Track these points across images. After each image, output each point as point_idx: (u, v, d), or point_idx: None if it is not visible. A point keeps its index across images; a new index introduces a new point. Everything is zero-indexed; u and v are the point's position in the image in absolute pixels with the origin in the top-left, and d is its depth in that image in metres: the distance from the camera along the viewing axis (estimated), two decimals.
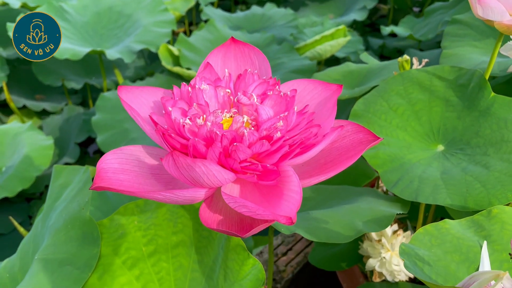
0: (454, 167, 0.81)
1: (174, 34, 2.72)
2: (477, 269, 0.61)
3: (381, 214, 0.77)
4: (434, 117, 0.90)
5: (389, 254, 0.99)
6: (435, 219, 1.09)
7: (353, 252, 1.04)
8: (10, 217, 1.28)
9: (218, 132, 0.45)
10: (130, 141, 1.72)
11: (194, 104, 0.49)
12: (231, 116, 0.52)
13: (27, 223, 1.84)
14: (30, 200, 1.98)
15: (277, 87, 0.53)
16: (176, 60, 2.05)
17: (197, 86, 0.50)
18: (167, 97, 0.53)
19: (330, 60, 2.38)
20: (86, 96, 2.43)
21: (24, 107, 2.23)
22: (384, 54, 2.64)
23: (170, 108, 0.48)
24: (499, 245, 0.64)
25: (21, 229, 1.17)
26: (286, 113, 0.48)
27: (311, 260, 1.09)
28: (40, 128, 2.21)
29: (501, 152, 0.80)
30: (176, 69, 1.95)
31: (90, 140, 2.22)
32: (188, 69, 1.96)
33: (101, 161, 0.47)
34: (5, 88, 2.00)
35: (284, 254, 1.29)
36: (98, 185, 0.45)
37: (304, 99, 0.55)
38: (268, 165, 0.45)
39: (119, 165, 0.48)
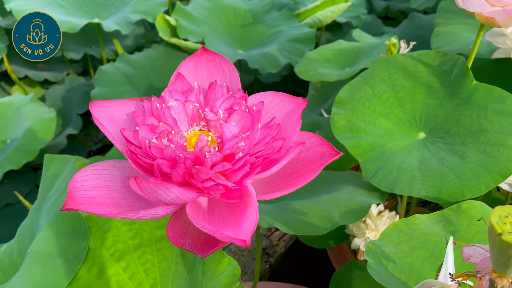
0: (433, 156, 0.83)
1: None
2: (441, 265, 0.64)
3: (358, 205, 0.80)
4: (417, 104, 0.91)
5: (374, 234, 1.03)
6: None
7: (341, 231, 1.08)
8: (15, 192, 1.33)
9: (181, 155, 0.47)
10: None
11: (161, 123, 0.51)
12: (200, 129, 0.54)
13: (35, 192, 1.91)
14: (36, 170, 2.04)
15: (244, 101, 0.54)
16: (174, 31, 2.04)
17: (163, 105, 0.52)
18: (138, 111, 0.54)
19: (331, 25, 2.34)
20: (87, 65, 2.44)
21: (26, 77, 2.25)
22: (389, 16, 2.59)
23: (137, 128, 0.50)
24: (465, 241, 0.67)
25: (26, 203, 1.22)
26: (248, 133, 0.50)
27: (301, 238, 1.14)
28: (43, 99, 2.24)
29: (478, 143, 0.81)
30: (174, 40, 1.94)
31: None
32: (186, 40, 1.95)
33: (73, 180, 0.50)
34: (5, 59, 2.02)
35: (277, 229, 1.33)
36: (68, 206, 0.47)
37: (272, 110, 0.57)
38: (229, 185, 0.47)
39: (91, 182, 0.51)
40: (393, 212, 1.04)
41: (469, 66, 0.88)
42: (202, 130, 0.54)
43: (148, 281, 0.73)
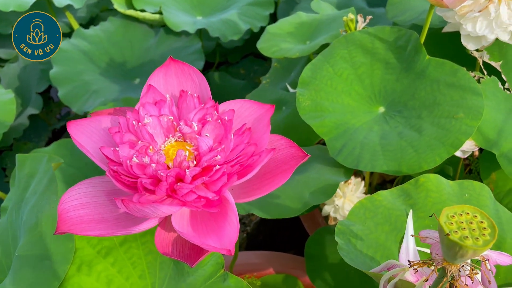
0: (392, 131, 0.89)
1: None
2: (403, 237, 0.71)
3: (327, 183, 0.86)
4: (376, 79, 0.96)
5: (342, 200, 1.10)
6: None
7: None
8: None
9: (162, 174, 0.50)
10: (93, 94, 1.72)
11: (139, 142, 0.54)
12: (176, 140, 0.57)
13: (2, 175, 1.90)
14: (1, 152, 2.01)
15: (215, 112, 0.57)
16: (129, 1, 1.98)
17: (140, 123, 0.55)
18: (114, 128, 0.57)
19: None
20: None
21: None
22: None
23: (117, 148, 0.53)
24: (423, 212, 0.74)
25: None
26: (223, 146, 0.53)
27: None
28: None
29: (432, 116, 0.87)
30: (130, 12, 1.89)
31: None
32: (143, 10, 1.91)
33: (61, 202, 0.53)
34: None
35: None
36: (61, 230, 0.51)
37: (242, 115, 0.60)
38: (210, 196, 0.51)
39: (78, 201, 0.54)
40: (359, 179, 1.11)
41: (422, 40, 0.93)
42: (178, 141, 0.57)
43: (136, 273, 0.78)
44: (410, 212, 0.73)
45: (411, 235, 0.69)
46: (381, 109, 0.94)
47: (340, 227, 0.70)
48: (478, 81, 0.93)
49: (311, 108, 0.94)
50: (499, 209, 0.76)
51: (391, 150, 0.85)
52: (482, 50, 0.93)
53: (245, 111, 0.60)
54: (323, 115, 0.93)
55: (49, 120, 2.22)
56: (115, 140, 0.55)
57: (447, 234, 0.40)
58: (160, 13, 1.90)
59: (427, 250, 0.70)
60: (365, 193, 1.13)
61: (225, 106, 0.60)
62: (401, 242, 0.70)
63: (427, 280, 0.48)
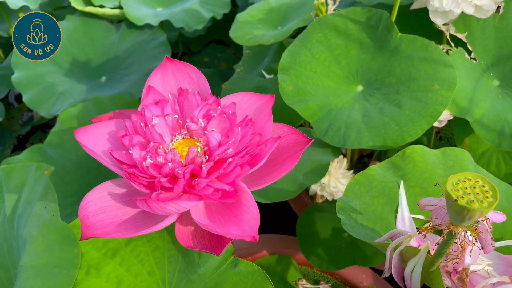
0: (373, 108, 0.93)
1: None
2: (397, 207, 0.76)
3: (318, 164, 0.89)
4: (352, 60, 1.00)
5: (327, 179, 1.14)
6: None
7: None
8: None
9: (180, 171, 0.52)
10: (60, 96, 1.69)
11: (151, 143, 0.55)
12: (183, 138, 0.59)
13: None
14: None
15: (219, 107, 0.59)
16: None
17: (149, 125, 0.56)
18: (122, 131, 0.58)
19: None
20: None
21: None
22: None
23: (130, 151, 0.54)
24: (413, 182, 0.79)
25: None
26: (233, 139, 0.55)
27: None
28: None
29: (409, 90, 0.92)
30: (89, 8, 1.85)
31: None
32: (102, 6, 1.88)
33: (81, 209, 0.54)
34: None
35: None
36: (86, 236, 0.52)
37: (243, 107, 0.62)
38: (227, 188, 0.54)
39: (96, 206, 0.55)
40: (341, 156, 1.16)
41: (393, 19, 0.97)
42: (185, 138, 0.59)
43: (145, 270, 0.79)
44: (401, 183, 0.78)
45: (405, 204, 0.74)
46: (360, 88, 0.98)
47: (340, 204, 0.74)
48: (447, 53, 0.98)
49: (294, 93, 0.97)
50: (479, 171, 0.82)
51: (375, 126, 0.90)
52: (449, 24, 0.98)
53: (245, 103, 0.62)
54: (306, 99, 0.96)
55: (11, 126, 2.16)
56: (123, 143, 0.57)
57: (455, 200, 0.45)
58: (120, 7, 1.87)
59: (421, 217, 0.76)
60: (348, 169, 1.18)
61: (225, 100, 0.62)
62: (396, 211, 0.75)
63: (438, 243, 0.52)
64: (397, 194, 0.77)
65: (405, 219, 0.73)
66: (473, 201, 0.45)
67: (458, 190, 0.46)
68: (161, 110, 0.60)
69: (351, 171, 1.16)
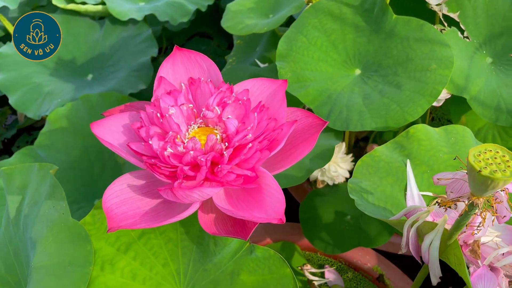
0: (372, 90, 0.95)
1: None
2: (406, 186, 0.77)
3: (323, 148, 0.90)
4: (348, 44, 1.01)
5: (327, 163, 1.16)
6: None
7: None
8: None
9: (202, 159, 0.52)
10: (47, 96, 1.67)
11: (170, 132, 0.55)
12: (199, 127, 0.59)
13: None
14: None
15: (233, 94, 0.59)
16: None
17: (167, 115, 0.56)
18: (137, 123, 0.58)
19: None
20: None
21: None
22: None
23: (150, 142, 0.54)
24: (418, 160, 0.80)
25: None
26: (252, 125, 0.56)
27: None
28: None
29: (408, 71, 0.94)
30: (71, 6, 1.82)
31: None
32: (84, 3, 1.84)
33: (104, 202, 0.54)
34: None
35: None
36: (111, 226, 0.52)
37: (255, 93, 0.63)
38: (249, 174, 0.54)
39: (118, 198, 0.55)
40: (339, 141, 1.17)
41: (388, 1, 0.98)
42: (201, 127, 0.59)
43: (159, 262, 0.79)
44: (408, 162, 0.79)
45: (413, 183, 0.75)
46: (357, 71, 0.99)
47: (351, 185, 0.75)
48: (440, 32, 1.00)
49: (293, 79, 0.98)
50: None
51: (376, 108, 0.91)
52: (441, 4, 1.00)
53: (257, 90, 0.63)
54: (305, 85, 0.97)
55: None
56: (140, 135, 0.56)
57: (479, 171, 0.46)
58: (103, 3, 1.84)
59: (429, 193, 0.77)
60: (346, 153, 1.20)
61: (237, 87, 0.62)
62: (405, 190, 0.77)
63: (461, 214, 0.54)
64: (405, 173, 0.78)
65: (414, 196, 0.75)
66: (496, 171, 0.46)
67: (480, 161, 0.47)
68: (175, 100, 0.59)
69: (350, 155, 1.18)
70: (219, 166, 0.52)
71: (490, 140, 1.06)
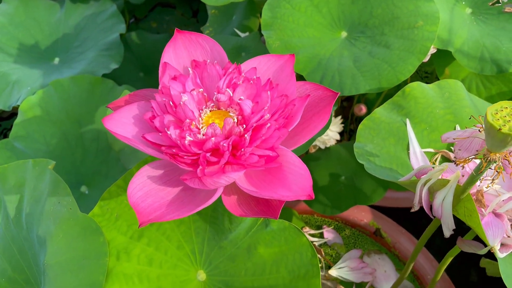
0: (362, 52, 0.95)
1: None
2: (408, 145, 0.79)
3: None
4: (332, 6, 1.00)
5: None
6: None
7: None
8: None
9: (225, 144, 0.52)
10: (15, 85, 1.60)
11: (187, 120, 0.54)
12: (211, 110, 0.58)
13: None
14: None
15: (243, 74, 0.58)
16: None
17: (181, 103, 0.55)
18: (148, 113, 0.56)
19: None
20: None
21: None
22: None
23: (169, 132, 0.53)
24: (417, 118, 0.82)
25: None
26: (268, 105, 0.55)
27: None
28: None
29: (395, 29, 0.94)
30: None
31: None
32: None
33: (129, 197, 0.53)
34: None
35: None
36: (142, 221, 0.52)
37: (262, 70, 0.62)
38: (271, 154, 0.54)
39: (141, 191, 0.54)
40: None
41: None
42: (213, 110, 0.58)
43: (173, 245, 0.79)
44: (408, 121, 0.81)
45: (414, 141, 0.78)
46: (344, 34, 0.99)
47: (357, 150, 0.77)
48: None
49: (281, 48, 0.97)
50: (473, 99, 0.87)
51: (368, 70, 0.92)
52: None
53: (264, 66, 0.62)
54: (296, 52, 0.96)
55: None
56: (153, 126, 0.55)
57: (499, 129, 0.48)
58: None
59: (431, 150, 0.80)
60: (334, 116, 1.21)
61: (244, 66, 0.61)
62: (408, 149, 0.79)
63: (479, 170, 0.56)
64: (405, 133, 0.80)
65: (417, 154, 0.77)
66: None
67: (498, 119, 0.49)
68: (183, 86, 0.58)
69: (339, 117, 1.19)
70: (242, 150, 0.52)
71: (474, 89, 1.09)
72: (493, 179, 0.55)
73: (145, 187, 0.55)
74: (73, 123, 1.51)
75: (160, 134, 0.54)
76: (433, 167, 0.64)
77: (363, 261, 1.18)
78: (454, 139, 0.60)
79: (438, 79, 1.07)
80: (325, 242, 1.24)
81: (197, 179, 0.50)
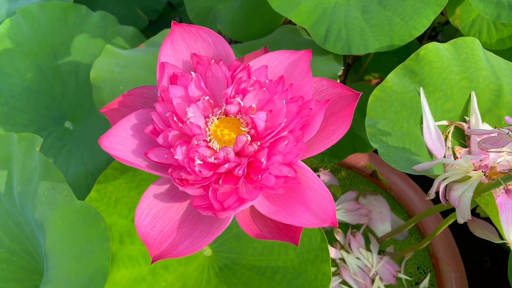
0: (371, 1, 0.85)
1: None
2: (421, 118, 0.75)
3: (325, 75, 0.84)
4: None
5: None
6: None
7: None
8: None
9: (239, 172, 0.47)
10: None
11: (194, 140, 0.48)
12: (218, 118, 0.52)
13: None
14: None
15: (253, 77, 0.51)
16: None
17: (188, 122, 0.48)
18: (150, 126, 0.50)
19: None
20: None
21: None
22: None
23: (176, 156, 0.47)
24: (431, 86, 0.77)
25: None
26: (285, 120, 0.49)
27: None
28: None
29: None
30: None
31: None
32: None
33: (137, 226, 0.49)
34: None
35: None
36: (154, 255, 0.48)
37: (273, 65, 0.54)
38: (289, 174, 0.49)
39: (149, 217, 0.50)
40: None
41: None
42: (220, 118, 0.52)
43: None
44: (421, 91, 0.75)
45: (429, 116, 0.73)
46: None
47: (369, 130, 0.72)
48: None
49: None
50: (489, 57, 0.80)
51: (378, 24, 0.83)
52: None
53: (274, 61, 0.54)
54: (296, 2, 0.86)
55: None
56: (156, 141, 0.49)
57: None
58: None
59: (445, 122, 0.75)
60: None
61: (253, 63, 0.53)
62: (421, 122, 0.74)
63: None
64: (419, 104, 0.75)
65: (431, 129, 0.73)
66: None
67: None
68: (185, 89, 0.51)
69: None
70: (259, 176, 0.47)
71: (485, 32, 1.01)
72: None
73: (152, 210, 0.50)
74: (48, 55, 1.41)
75: (165, 149, 0.49)
76: (453, 162, 0.61)
77: (358, 202, 1.19)
78: (481, 139, 0.56)
79: (449, 22, 0.98)
80: None
81: (214, 214, 0.46)
